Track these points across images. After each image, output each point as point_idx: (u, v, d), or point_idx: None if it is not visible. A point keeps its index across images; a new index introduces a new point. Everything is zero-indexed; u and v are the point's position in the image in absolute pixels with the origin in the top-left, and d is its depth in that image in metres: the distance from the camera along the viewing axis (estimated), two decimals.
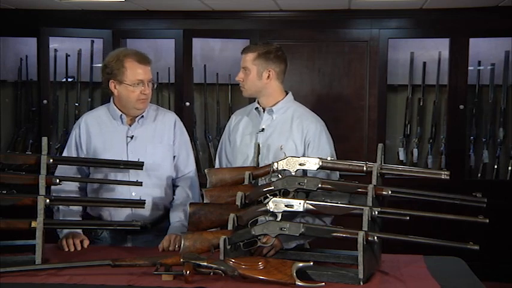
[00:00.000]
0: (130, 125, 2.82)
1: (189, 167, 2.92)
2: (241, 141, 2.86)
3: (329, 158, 2.51)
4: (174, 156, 2.88)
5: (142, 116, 2.82)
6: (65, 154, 2.87)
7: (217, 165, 2.97)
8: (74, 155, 2.83)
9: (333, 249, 2.52)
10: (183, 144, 2.92)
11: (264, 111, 2.83)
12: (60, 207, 2.73)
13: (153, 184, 2.76)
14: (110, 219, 2.79)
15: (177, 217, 2.81)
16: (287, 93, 2.86)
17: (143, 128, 2.83)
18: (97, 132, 2.82)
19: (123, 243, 2.83)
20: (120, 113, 2.81)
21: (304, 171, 2.57)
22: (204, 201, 2.58)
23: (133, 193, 2.75)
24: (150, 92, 2.77)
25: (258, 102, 2.86)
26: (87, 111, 3.72)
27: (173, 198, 2.88)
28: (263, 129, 2.80)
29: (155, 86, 2.82)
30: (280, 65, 2.80)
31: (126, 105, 2.78)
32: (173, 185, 2.90)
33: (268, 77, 2.77)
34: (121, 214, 2.78)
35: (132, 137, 2.80)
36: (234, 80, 5.06)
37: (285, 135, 2.76)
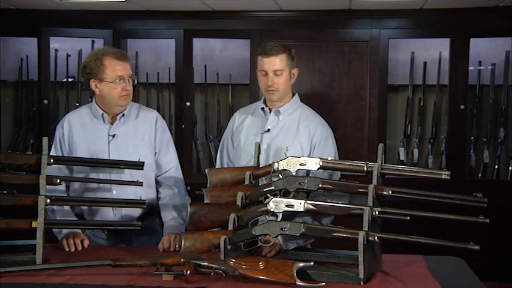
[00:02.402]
0: (111, 124, 2.83)
1: (170, 163, 2.90)
2: (246, 141, 2.85)
3: (329, 158, 2.51)
4: (155, 153, 2.88)
5: (124, 115, 2.82)
6: (52, 153, 2.86)
7: (218, 165, 2.96)
8: (59, 153, 2.84)
9: (333, 249, 2.52)
10: (164, 141, 2.91)
11: (270, 112, 2.83)
12: (55, 207, 2.72)
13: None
14: (90, 218, 2.80)
15: (169, 215, 2.81)
16: (293, 94, 2.86)
17: (125, 127, 2.83)
18: (79, 131, 2.83)
19: (107, 242, 2.83)
20: (102, 111, 2.81)
21: (307, 171, 2.57)
22: (205, 201, 2.58)
23: (114, 191, 2.76)
24: (131, 88, 2.79)
25: (265, 103, 2.85)
26: None
27: (159, 198, 2.88)
28: (269, 129, 2.80)
29: (135, 82, 2.83)
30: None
31: (109, 103, 2.79)
32: (156, 182, 2.90)
33: (293, 76, 2.79)
34: (105, 213, 2.78)
35: (113, 136, 2.81)
36: (234, 80, 5.13)
37: (291, 137, 2.76)
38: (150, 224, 2.87)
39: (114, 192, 2.77)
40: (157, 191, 2.89)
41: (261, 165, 2.69)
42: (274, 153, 2.73)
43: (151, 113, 2.94)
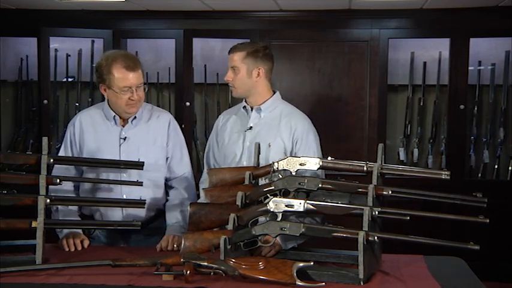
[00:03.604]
0: (123, 126, 2.81)
1: (183, 168, 2.90)
2: (229, 139, 2.87)
3: (329, 158, 2.52)
4: (167, 158, 2.87)
5: (135, 117, 2.81)
6: (61, 152, 2.86)
7: (205, 166, 2.97)
8: (69, 153, 2.83)
9: (333, 249, 2.52)
10: (177, 145, 2.90)
11: (251, 110, 2.85)
12: (59, 207, 2.73)
13: (145, 185, 2.67)
14: (101, 218, 2.79)
15: (174, 218, 2.80)
16: (274, 93, 2.88)
17: (136, 129, 2.82)
18: (90, 132, 2.82)
19: (115, 243, 2.83)
20: (114, 114, 2.80)
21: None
22: (204, 201, 2.58)
23: (124, 194, 2.75)
24: (141, 96, 2.75)
25: (246, 101, 2.88)
26: None
27: (167, 199, 2.88)
28: (251, 127, 2.82)
29: (146, 89, 2.79)
30: (268, 63, 2.82)
31: (116, 110, 2.79)
32: (167, 185, 2.89)
33: (258, 75, 2.78)
34: (113, 214, 2.78)
35: (124, 139, 2.80)
36: None
37: (273, 133, 2.78)
38: (161, 225, 2.83)
39: (124, 196, 2.75)
40: (168, 193, 2.89)
41: (245, 163, 2.73)
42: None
43: (164, 115, 2.92)
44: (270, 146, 2.74)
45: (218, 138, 2.94)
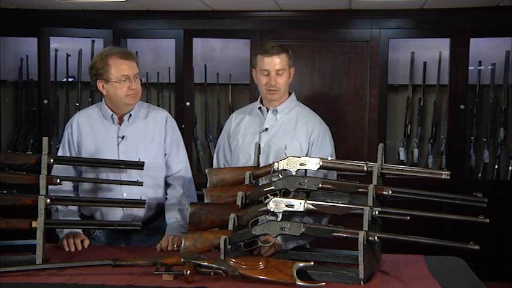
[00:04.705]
0: (120, 125, 2.81)
1: (180, 164, 2.89)
2: (244, 140, 2.85)
3: (329, 158, 2.52)
4: (165, 155, 2.87)
5: (131, 115, 2.80)
6: (60, 153, 2.86)
7: (214, 166, 2.96)
8: (68, 153, 2.83)
9: (333, 249, 2.52)
10: (174, 141, 2.90)
11: (267, 111, 2.83)
12: (59, 207, 2.73)
13: (145, 184, 2.68)
14: (101, 218, 2.79)
15: (173, 217, 2.80)
16: (289, 94, 2.86)
17: (134, 127, 2.81)
18: (88, 132, 2.82)
19: (116, 243, 2.82)
20: (112, 112, 2.80)
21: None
22: (205, 201, 2.58)
23: (124, 193, 2.75)
24: (139, 87, 2.76)
25: (261, 102, 2.85)
26: None
27: (166, 198, 2.87)
28: (266, 128, 2.80)
29: (142, 80, 2.80)
30: None
31: (117, 103, 2.77)
32: (165, 183, 2.89)
33: (291, 75, 2.81)
34: (113, 214, 2.77)
35: (123, 137, 2.79)
36: (234, 80, 5.13)
37: (289, 135, 2.77)
38: (161, 225, 2.84)
39: (125, 195, 2.75)
40: (166, 191, 2.89)
41: (260, 165, 2.70)
42: (272, 152, 2.74)
43: (161, 112, 2.92)
44: (286, 147, 2.73)
45: (230, 139, 2.92)
